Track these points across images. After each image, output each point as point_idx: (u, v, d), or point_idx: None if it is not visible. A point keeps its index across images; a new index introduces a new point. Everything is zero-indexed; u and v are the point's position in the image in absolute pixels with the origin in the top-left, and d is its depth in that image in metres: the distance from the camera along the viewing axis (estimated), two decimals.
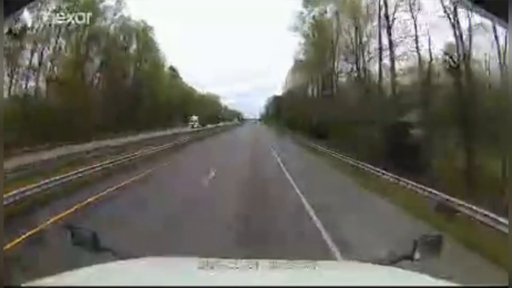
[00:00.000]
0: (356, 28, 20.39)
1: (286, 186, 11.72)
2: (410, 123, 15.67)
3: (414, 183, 10.52)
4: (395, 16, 17.71)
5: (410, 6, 16.81)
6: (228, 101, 47.54)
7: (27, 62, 19.31)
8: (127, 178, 12.19)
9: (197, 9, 34.07)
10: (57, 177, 10.11)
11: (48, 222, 7.03)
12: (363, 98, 19.50)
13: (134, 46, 27.82)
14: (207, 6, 31.93)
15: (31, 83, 19.77)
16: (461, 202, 8.19)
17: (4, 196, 7.42)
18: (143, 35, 27.58)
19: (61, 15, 18.25)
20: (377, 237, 6.36)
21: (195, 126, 34.89)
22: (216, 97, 44.96)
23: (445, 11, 15.02)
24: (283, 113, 36.81)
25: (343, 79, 23.41)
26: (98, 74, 23.73)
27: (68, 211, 8.14)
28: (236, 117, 51.85)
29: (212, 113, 42.93)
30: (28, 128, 16.28)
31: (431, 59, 16.78)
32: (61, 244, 3.30)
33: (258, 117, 49.30)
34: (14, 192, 8.14)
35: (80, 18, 18.64)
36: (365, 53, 20.16)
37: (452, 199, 8.51)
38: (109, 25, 24.17)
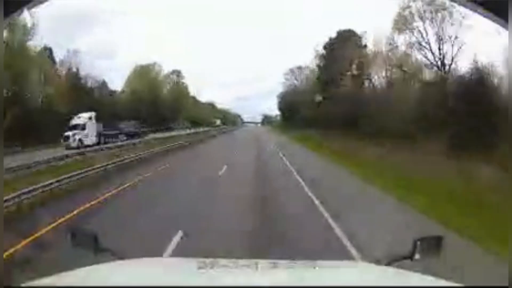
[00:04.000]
0: None
1: None
2: None
3: None
4: None
5: None
6: (228, 105, 40.82)
7: None
8: None
9: (196, 11, 34.11)
10: None
11: None
12: None
13: None
14: (207, 8, 31.98)
15: None
16: None
17: None
18: None
19: None
20: None
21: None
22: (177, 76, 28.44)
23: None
24: None
25: None
26: None
27: None
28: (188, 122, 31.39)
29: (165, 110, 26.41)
30: None
31: None
32: None
33: (259, 120, 43.21)
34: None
35: None
36: None
37: None
38: None
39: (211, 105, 37.51)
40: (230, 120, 43.12)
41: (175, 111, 28.60)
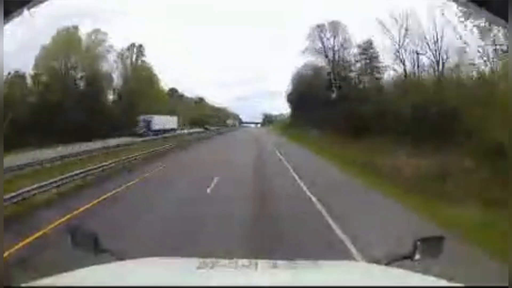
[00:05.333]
0: None
1: None
2: None
3: None
4: None
5: None
6: (227, 104, 37.88)
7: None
8: None
9: (196, 11, 34.08)
10: None
11: None
12: None
13: None
14: (207, 8, 31.94)
15: None
16: None
17: None
18: None
19: None
20: None
21: None
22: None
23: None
24: None
25: None
26: None
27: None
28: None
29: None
30: None
31: None
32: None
33: (259, 120, 41.24)
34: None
35: None
36: None
37: None
38: None
39: (200, 100, 27.90)
40: (222, 120, 37.49)
41: (129, 104, 16.85)
